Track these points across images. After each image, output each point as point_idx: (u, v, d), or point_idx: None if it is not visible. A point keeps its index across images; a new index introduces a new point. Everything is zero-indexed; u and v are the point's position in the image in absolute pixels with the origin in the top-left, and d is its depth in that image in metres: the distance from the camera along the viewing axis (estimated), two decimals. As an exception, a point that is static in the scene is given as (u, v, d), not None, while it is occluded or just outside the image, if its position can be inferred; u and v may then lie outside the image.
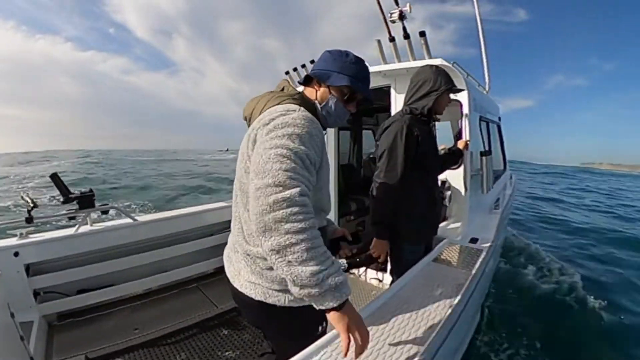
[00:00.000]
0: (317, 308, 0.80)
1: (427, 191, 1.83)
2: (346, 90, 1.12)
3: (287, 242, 0.74)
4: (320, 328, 1.11)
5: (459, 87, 2.52)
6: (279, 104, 1.01)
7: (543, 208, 10.29)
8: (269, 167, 0.80)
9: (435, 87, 1.75)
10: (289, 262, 0.74)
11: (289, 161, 0.81)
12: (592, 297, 3.55)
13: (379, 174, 1.74)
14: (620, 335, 3.03)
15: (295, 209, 0.75)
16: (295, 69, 3.18)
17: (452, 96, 2.53)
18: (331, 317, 0.79)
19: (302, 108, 0.99)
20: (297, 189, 0.78)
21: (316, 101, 1.12)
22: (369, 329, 0.85)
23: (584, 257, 5.20)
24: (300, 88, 1.19)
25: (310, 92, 1.15)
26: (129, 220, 2.61)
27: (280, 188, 0.77)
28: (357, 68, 1.12)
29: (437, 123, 2.15)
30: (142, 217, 2.73)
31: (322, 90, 1.13)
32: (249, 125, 1.05)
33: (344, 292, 0.78)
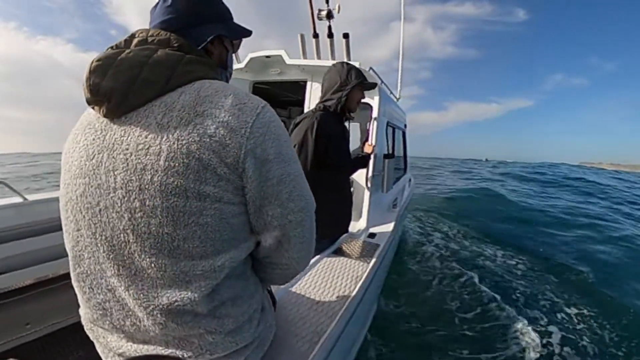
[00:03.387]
0: None
1: (337, 189, 1.86)
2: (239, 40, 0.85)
3: None
4: None
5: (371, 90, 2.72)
6: (195, 78, 0.64)
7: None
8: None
9: (346, 82, 1.78)
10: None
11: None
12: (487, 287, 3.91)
13: None
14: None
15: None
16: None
17: (364, 99, 2.71)
18: None
19: (239, 90, 0.67)
20: None
21: (221, 69, 0.80)
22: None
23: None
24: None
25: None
26: (18, 198, 2.22)
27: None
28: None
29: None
30: (34, 196, 2.34)
31: (220, 48, 0.78)
32: (112, 109, 0.60)
33: None
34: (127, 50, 0.62)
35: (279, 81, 3.14)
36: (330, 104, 1.80)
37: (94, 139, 0.62)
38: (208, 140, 0.57)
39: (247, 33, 0.82)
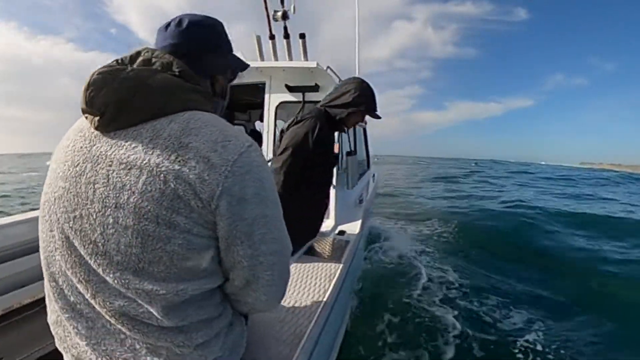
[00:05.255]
0: None
1: (315, 200, 1.91)
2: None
3: None
4: None
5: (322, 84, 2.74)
6: (189, 108, 0.65)
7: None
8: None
9: (355, 103, 1.79)
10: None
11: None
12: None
13: (278, 168, 1.70)
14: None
15: None
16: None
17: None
18: None
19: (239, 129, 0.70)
20: None
21: (219, 99, 0.83)
22: (252, 324, 0.89)
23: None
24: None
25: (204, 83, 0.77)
26: None
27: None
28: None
29: None
30: None
31: (223, 78, 0.83)
32: (103, 124, 0.61)
33: None
34: (129, 69, 0.63)
35: (236, 84, 3.09)
36: (333, 112, 1.83)
37: (81, 147, 0.63)
38: (187, 172, 0.58)
39: (246, 66, 0.88)
